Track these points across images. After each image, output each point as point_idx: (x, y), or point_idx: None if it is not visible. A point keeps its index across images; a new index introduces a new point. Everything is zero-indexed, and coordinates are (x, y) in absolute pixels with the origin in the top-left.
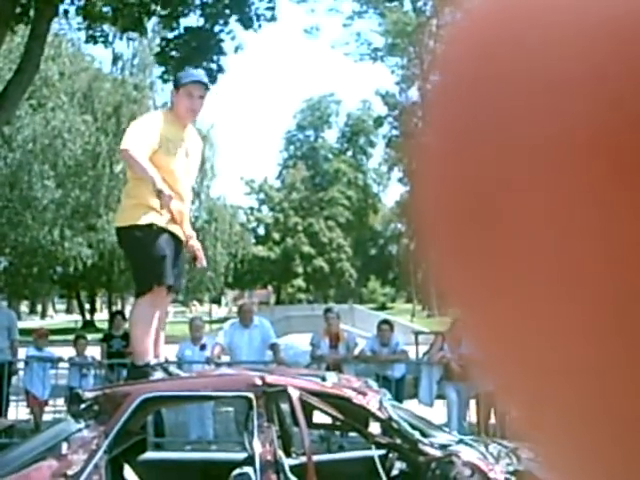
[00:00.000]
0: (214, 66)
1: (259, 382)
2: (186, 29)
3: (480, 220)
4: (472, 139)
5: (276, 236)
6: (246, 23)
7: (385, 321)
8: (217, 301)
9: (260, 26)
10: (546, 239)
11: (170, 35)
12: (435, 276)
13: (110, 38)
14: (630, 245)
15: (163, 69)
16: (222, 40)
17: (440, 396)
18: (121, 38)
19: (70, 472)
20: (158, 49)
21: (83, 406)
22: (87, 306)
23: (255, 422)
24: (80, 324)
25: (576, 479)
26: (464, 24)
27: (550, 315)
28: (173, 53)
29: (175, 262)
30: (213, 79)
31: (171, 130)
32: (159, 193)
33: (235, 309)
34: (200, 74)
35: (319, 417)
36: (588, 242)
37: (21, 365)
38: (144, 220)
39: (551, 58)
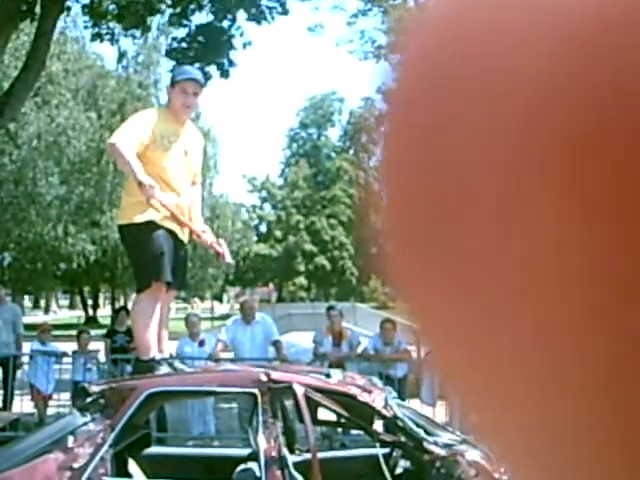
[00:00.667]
0: (225, 61)
1: (264, 378)
2: (197, 26)
3: (436, 222)
4: (428, 141)
5: (278, 234)
6: (257, 17)
7: (388, 320)
8: (219, 298)
9: (273, 18)
10: (500, 241)
11: (180, 33)
12: (392, 278)
13: (116, 36)
14: (584, 248)
15: (174, 63)
16: (233, 35)
17: (442, 396)
18: (126, 36)
19: (76, 465)
20: (163, 47)
21: (89, 400)
22: (90, 302)
23: (260, 418)
24: (83, 320)
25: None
26: (419, 28)
27: (506, 317)
28: (184, 50)
29: (174, 259)
30: (225, 74)
31: (166, 126)
32: (139, 185)
33: (237, 306)
34: (194, 72)
35: (323, 414)
36: (544, 243)
37: (26, 359)
38: (142, 218)
39: (506, 60)
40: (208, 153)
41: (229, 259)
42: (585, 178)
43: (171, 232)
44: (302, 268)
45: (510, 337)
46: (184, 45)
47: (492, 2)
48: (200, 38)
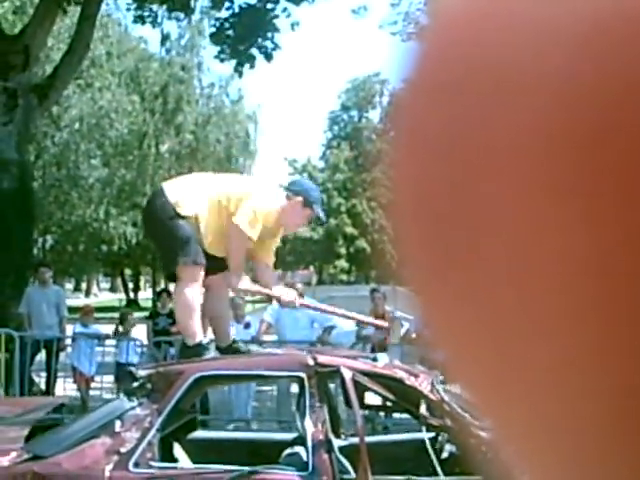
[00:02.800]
0: (269, 44)
1: (311, 362)
2: (241, 7)
3: (449, 219)
4: (442, 139)
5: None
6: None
7: None
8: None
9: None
10: (514, 239)
11: (224, 14)
12: (405, 275)
13: (159, 19)
14: (590, 253)
15: (218, 49)
16: (277, 16)
17: None
18: (169, 18)
19: (123, 450)
20: (206, 29)
21: (136, 384)
22: (131, 285)
23: (307, 402)
24: (124, 303)
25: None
26: (430, 26)
27: (518, 317)
28: (228, 32)
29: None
30: (269, 57)
31: (268, 228)
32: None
33: None
34: (324, 216)
35: (369, 398)
36: (551, 250)
37: (68, 341)
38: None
39: (516, 58)
40: (249, 134)
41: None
42: (590, 181)
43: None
44: (343, 251)
45: (524, 348)
46: (227, 25)
47: (502, 4)
48: (243, 19)
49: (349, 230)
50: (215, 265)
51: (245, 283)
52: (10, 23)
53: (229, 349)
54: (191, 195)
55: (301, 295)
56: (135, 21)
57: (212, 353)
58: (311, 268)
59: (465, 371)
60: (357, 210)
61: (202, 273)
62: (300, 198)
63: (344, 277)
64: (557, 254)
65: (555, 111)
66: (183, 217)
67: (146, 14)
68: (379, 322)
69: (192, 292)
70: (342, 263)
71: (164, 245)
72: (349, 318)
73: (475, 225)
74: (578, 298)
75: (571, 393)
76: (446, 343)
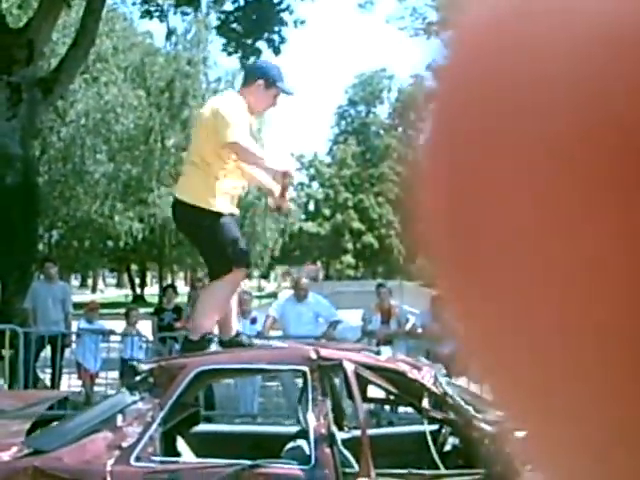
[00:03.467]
0: (276, 37)
1: (314, 355)
2: (246, 1)
3: (470, 225)
4: (463, 144)
5: (326, 212)
6: None
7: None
8: (266, 276)
9: None
10: (534, 244)
11: (230, 7)
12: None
13: (164, 12)
14: (621, 263)
15: (225, 41)
16: (283, 10)
17: None
18: (175, 13)
19: (125, 444)
20: (213, 24)
21: (138, 378)
22: (137, 280)
23: (309, 396)
24: (130, 298)
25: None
26: (457, 32)
27: (540, 320)
28: (234, 26)
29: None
30: (277, 50)
31: (250, 119)
32: (283, 175)
33: (284, 284)
34: (292, 88)
35: (372, 392)
36: (577, 244)
37: (73, 337)
38: (218, 206)
39: (540, 63)
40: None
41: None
42: (622, 189)
43: (234, 215)
44: (350, 246)
45: (547, 343)
46: (233, 19)
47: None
48: (249, 12)
49: (356, 225)
50: None
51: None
52: (15, 17)
53: (232, 342)
54: (201, 185)
55: (306, 290)
56: (142, 16)
57: (214, 347)
58: (318, 263)
59: (494, 371)
60: (364, 205)
61: (245, 275)
62: (260, 81)
63: (351, 272)
64: (589, 262)
65: (585, 117)
66: (216, 213)
67: (153, 8)
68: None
69: (225, 292)
70: (349, 258)
71: (212, 254)
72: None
73: (506, 231)
74: (610, 305)
75: (605, 395)
76: (474, 343)
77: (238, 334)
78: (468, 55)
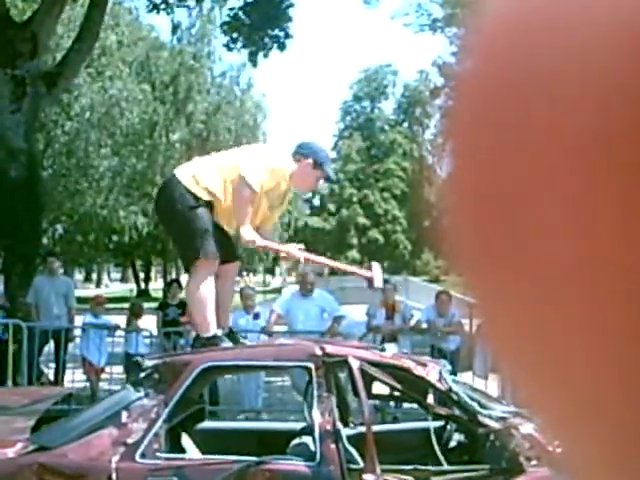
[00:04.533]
0: (282, 33)
1: (319, 352)
2: None
3: (505, 217)
4: (495, 135)
5: (331, 207)
6: None
7: (444, 291)
8: (271, 271)
9: None
10: (568, 235)
11: (236, 3)
12: (452, 255)
13: (171, 6)
14: None
15: (228, 38)
16: (290, 5)
17: (495, 369)
18: (181, 6)
19: (130, 440)
20: (217, 18)
21: (143, 374)
22: (142, 275)
23: (314, 392)
24: (135, 293)
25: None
26: (485, 25)
27: (574, 311)
28: (243, 21)
29: (220, 232)
30: (282, 46)
31: (281, 189)
32: (246, 240)
33: (289, 279)
34: (335, 175)
35: (377, 388)
36: (610, 238)
37: (78, 332)
38: (207, 199)
39: (571, 56)
40: (259, 124)
41: (379, 283)
42: None
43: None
44: (355, 241)
45: (575, 324)
46: (239, 15)
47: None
48: (256, 8)
49: (361, 221)
50: (228, 255)
51: (254, 235)
52: (20, 10)
53: (228, 337)
54: (206, 177)
55: (312, 285)
56: (150, 10)
57: (227, 344)
58: None
59: (524, 361)
60: (369, 200)
61: (216, 264)
62: (310, 160)
63: None
64: (619, 261)
65: (605, 114)
66: (202, 204)
67: (159, 2)
68: (363, 272)
69: (206, 286)
70: (354, 254)
71: (181, 238)
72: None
73: (535, 211)
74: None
75: (625, 370)
76: (502, 335)
77: (232, 331)
78: (499, 40)
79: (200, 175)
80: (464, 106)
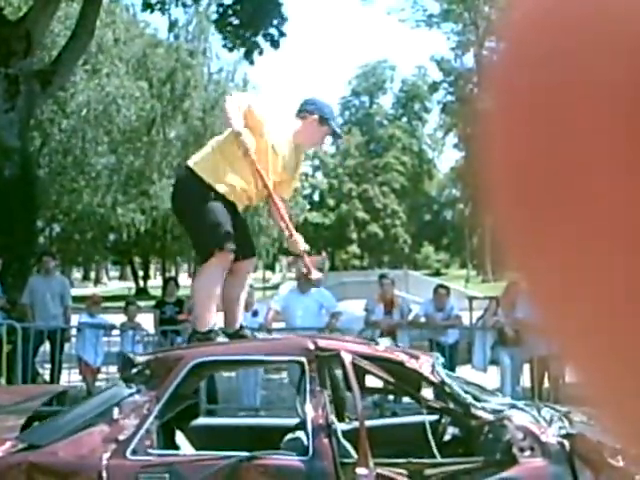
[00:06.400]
0: (274, 31)
1: (311, 346)
2: None
3: (557, 201)
4: (548, 118)
5: (330, 202)
6: None
7: (442, 285)
8: (271, 267)
9: None
10: (618, 203)
11: (228, 1)
12: (504, 248)
13: (167, 5)
14: None
15: (223, 37)
16: (281, 4)
17: (494, 361)
18: (176, 5)
19: (121, 437)
20: (215, 15)
21: (135, 370)
22: (140, 273)
23: (307, 386)
24: (133, 291)
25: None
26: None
27: (622, 281)
28: (232, 19)
29: (237, 227)
30: (275, 44)
31: (283, 142)
32: (237, 135)
33: (289, 275)
34: (341, 131)
35: (372, 382)
36: None
37: (74, 332)
38: (221, 190)
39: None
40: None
41: (317, 275)
42: None
43: (232, 204)
44: (354, 236)
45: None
46: (231, 12)
47: None
48: (247, 7)
49: (360, 215)
50: (243, 251)
51: (250, 143)
52: (15, 8)
53: (236, 335)
54: (222, 167)
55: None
56: (144, 9)
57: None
58: (323, 254)
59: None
60: (369, 195)
61: (230, 258)
62: (315, 116)
63: (357, 262)
64: None
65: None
66: (216, 197)
67: (154, 1)
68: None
69: (215, 280)
70: (354, 248)
71: (196, 232)
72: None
73: (584, 194)
74: None
75: None
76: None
77: (242, 327)
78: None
79: (208, 164)
80: (517, 54)
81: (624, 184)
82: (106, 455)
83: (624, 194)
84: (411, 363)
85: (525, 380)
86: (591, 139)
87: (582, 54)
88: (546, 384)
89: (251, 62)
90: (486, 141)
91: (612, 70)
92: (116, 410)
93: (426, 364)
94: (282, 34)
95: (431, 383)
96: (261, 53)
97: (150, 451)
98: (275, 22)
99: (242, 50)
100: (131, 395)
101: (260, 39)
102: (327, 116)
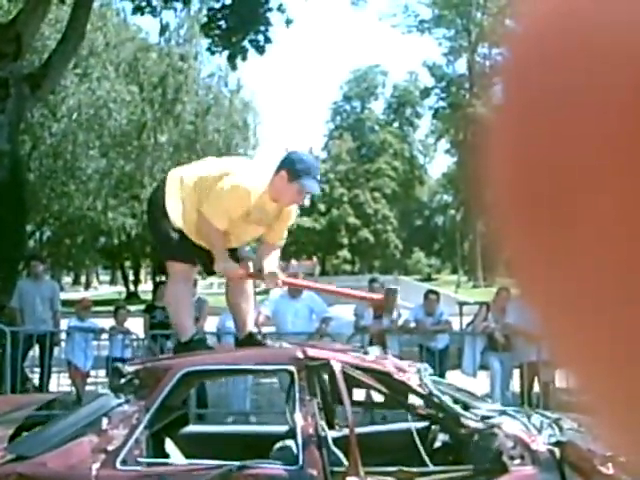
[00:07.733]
0: (261, 37)
1: (301, 355)
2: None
3: (557, 208)
4: (549, 123)
5: (322, 207)
6: None
7: (432, 291)
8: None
9: None
10: (619, 237)
11: (216, 5)
12: (499, 253)
13: (157, 9)
14: None
15: (209, 41)
16: (270, 9)
17: (483, 366)
18: (166, 8)
19: (110, 447)
20: (204, 19)
21: (123, 380)
22: (131, 277)
23: (297, 395)
24: (124, 295)
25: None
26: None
27: (624, 317)
28: (220, 23)
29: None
30: (261, 50)
31: (259, 209)
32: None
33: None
34: (317, 182)
35: (360, 395)
36: None
37: (63, 336)
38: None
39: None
40: (248, 124)
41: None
42: None
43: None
44: (345, 241)
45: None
46: (219, 16)
47: None
48: (235, 11)
49: (351, 220)
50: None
51: (229, 266)
52: (5, 11)
53: (246, 341)
54: (177, 200)
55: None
56: (134, 12)
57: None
58: (314, 259)
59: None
60: (360, 200)
61: (188, 269)
62: (283, 173)
63: (347, 267)
64: None
65: None
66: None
67: (143, 4)
68: (371, 295)
69: (176, 288)
70: (345, 253)
71: (155, 240)
72: (338, 294)
73: (587, 226)
74: None
75: None
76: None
77: (252, 333)
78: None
79: (175, 195)
80: (515, 64)
81: (630, 189)
82: (95, 465)
83: (628, 199)
84: (399, 375)
85: (515, 385)
86: (598, 143)
87: (593, 58)
88: (536, 389)
89: (233, 67)
90: (490, 141)
91: (620, 75)
92: (105, 420)
93: (414, 377)
94: (268, 40)
95: (419, 395)
96: (244, 59)
97: (140, 460)
98: (262, 28)
99: (225, 54)
100: (120, 405)
101: (246, 44)
102: (297, 172)
